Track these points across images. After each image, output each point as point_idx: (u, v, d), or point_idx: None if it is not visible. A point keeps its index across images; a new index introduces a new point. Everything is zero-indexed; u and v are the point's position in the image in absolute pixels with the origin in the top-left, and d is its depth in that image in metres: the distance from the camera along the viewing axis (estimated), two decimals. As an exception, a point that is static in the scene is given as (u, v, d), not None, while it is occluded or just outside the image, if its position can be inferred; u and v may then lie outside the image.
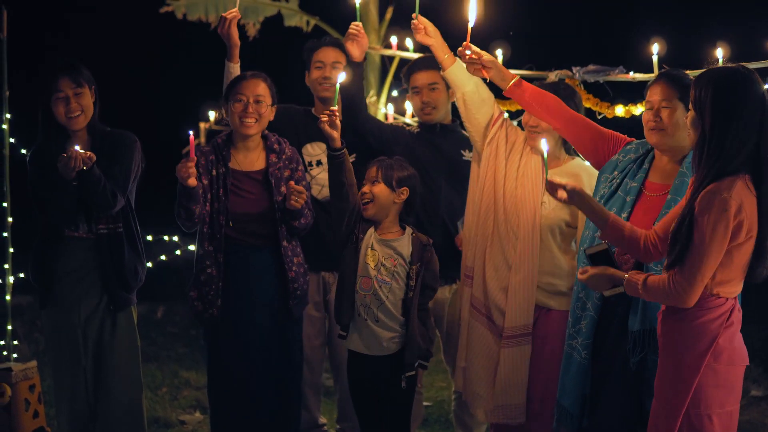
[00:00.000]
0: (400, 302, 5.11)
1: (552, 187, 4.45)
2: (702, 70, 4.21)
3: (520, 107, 6.49)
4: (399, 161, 5.19)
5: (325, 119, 5.01)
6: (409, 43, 7.25)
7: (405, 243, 5.14)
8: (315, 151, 5.96)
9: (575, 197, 4.44)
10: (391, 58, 7.65)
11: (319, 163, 5.94)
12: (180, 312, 10.57)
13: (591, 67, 6.21)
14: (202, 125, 10.41)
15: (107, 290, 5.32)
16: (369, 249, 5.10)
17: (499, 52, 6.62)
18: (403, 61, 7.55)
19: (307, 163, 5.83)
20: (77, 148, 4.98)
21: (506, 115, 5.48)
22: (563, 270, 5.19)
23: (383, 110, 7.63)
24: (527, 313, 5.18)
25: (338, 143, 5.03)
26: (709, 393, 4.20)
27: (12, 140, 6.62)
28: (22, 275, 6.49)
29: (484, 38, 5.35)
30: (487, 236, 5.30)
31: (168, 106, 11.61)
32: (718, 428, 4.22)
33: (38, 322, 9.16)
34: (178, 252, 8.29)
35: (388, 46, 7.50)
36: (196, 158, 5.14)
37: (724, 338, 4.21)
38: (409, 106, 7.71)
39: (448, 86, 5.69)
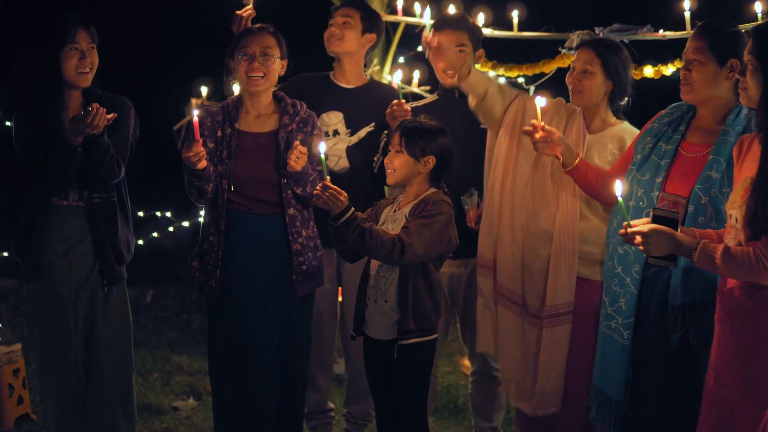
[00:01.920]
0: None
1: (627, 238, 4.04)
2: (751, 24, 3.91)
3: (536, 71, 6.21)
4: (425, 125, 4.78)
5: (320, 193, 4.53)
6: (417, 8, 6.90)
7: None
8: (331, 120, 5.70)
9: (654, 237, 3.98)
10: (395, 25, 7.34)
11: (336, 132, 5.69)
12: (170, 296, 10.32)
13: (615, 26, 5.96)
14: (194, 101, 10.00)
15: (100, 262, 5.05)
16: (381, 226, 4.74)
17: (480, 16, 6.40)
18: (409, 27, 7.29)
19: (323, 133, 5.48)
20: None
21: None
22: (602, 237, 4.87)
23: (388, 78, 7.29)
24: (570, 288, 4.90)
25: (336, 210, 4.53)
26: None
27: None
28: (5, 254, 6.34)
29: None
30: (520, 213, 5.05)
31: (160, 76, 11.32)
32: None
33: (23, 307, 8.86)
34: (171, 228, 8.02)
35: (393, 11, 7.18)
36: (201, 140, 4.85)
37: None
38: (416, 75, 7.37)
39: (475, 49, 5.57)
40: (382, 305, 4.69)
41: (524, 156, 5.06)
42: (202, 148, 4.83)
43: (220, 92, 10.00)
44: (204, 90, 9.71)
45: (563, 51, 6.16)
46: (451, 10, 6.47)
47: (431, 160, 4.72)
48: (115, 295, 5.12)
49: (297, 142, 4.93)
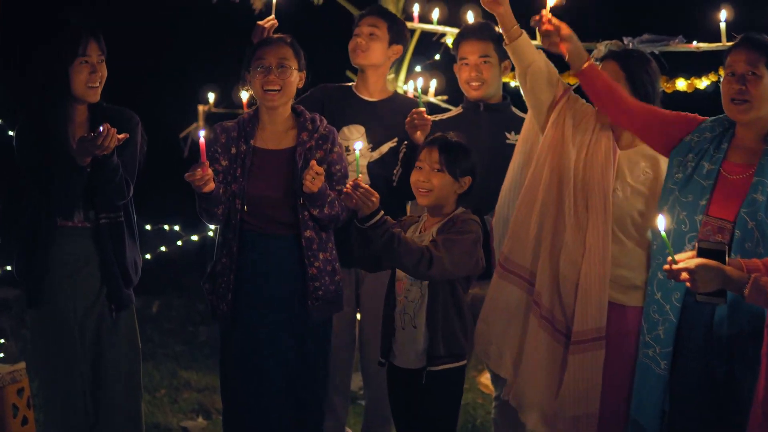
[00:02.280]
0: None
1: (673, 275, 3.83)
2: None
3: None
4: (460, 146, 4.60)
5: (351, 192, 4.33)
6: (434, 14, 6.73)
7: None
8: (352, 134, 5.46)
9: (702, 274, 3.78)
10: (411, 32, 7.14)
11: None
12: (176, 307, 10.10)
13: (646, 36, 5.79)
14: (201, 108, 9.90)
15: (108, 285, 4.86)
16: None
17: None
18: (424, 34, 7.11)
19: (344, 149, 5.25)
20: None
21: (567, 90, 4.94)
22: (636, 261, 4.64)
23: (404, 87, 7.10)
24: (600, 314, 4.63)
25: (366, 211, 4.33)
26: None
27: (-1, 121, 6.28)
28: (9, 268, 5.92)
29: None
30: (547, 230, 4.76)
31: (165, 81, 11.24)
32: None
33: (25, 316, 8.61)
34: (179, 243, 7.80)
35: (409, 17, 7.00)
36: (207, 162, 4.62)
37: None
38: (433, 84, 7.17)
39: (500, 60, 5.35)
40: (411, 331, 4.51)
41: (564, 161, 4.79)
42: (209, 171, 4.60)
43: (227, 99, 9.92)
44: (211, 96, 9.73)
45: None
46: (470, 18, 6.27)
47: (467, 181, 4.58)
48: (123, 320, 4.92)
49: (313, 162, 4.70)
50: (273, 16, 5.28)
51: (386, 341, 4.61)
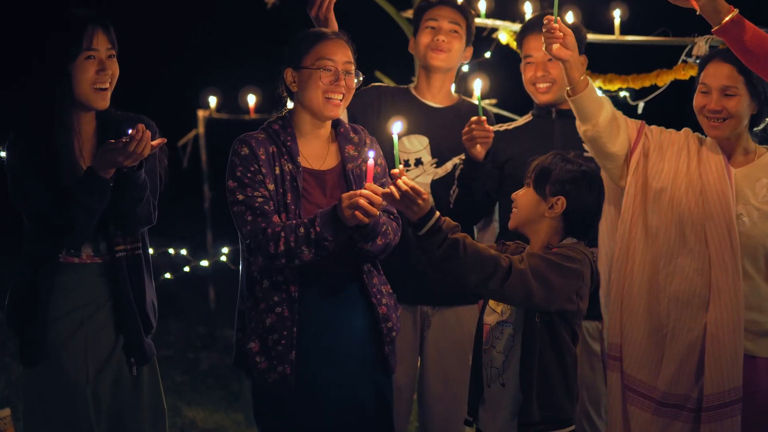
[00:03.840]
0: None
1: None
2: None
3: (645, 84, 5.37)
4: (568, 160, 3.84)
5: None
6: (481, 6, 6.02)
7: None
8: (414, 146, 4.74)
9: None
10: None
11: (419, 162, 4.79)
12: (174, 331, 9.64)
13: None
14: (201, 113, 9.54)
15: (126, 335, 4.04)
16: None
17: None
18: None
19: (402, 161, 4.57)
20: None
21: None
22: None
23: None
24: (737, 369, 3.97)
25: (413, 216, 3.62)
26: None
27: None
28: None
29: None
30: (653, 281, 4.12)
31: (162, 89, 10.95)
32: None
33: (9, 343, 8.11)
34: (186, 269, 7.17)
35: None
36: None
37: None
38: (478, 86, 6.39)
39: None
40: (498, 390, 3.77)
41: (655, 202, 4.17)
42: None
43: (229, 103, 9.36)
44: (212, 100, 9.41)
45: (688, 60, 5.31)
46: (528, 10, 5.53)
47: (560, 202, 3.77)
48: (145, 377, 4.09)
49: (368, 184, 3.80)
50: None
51: (474, 396, 3.88)
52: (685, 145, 4.18)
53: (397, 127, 3.75)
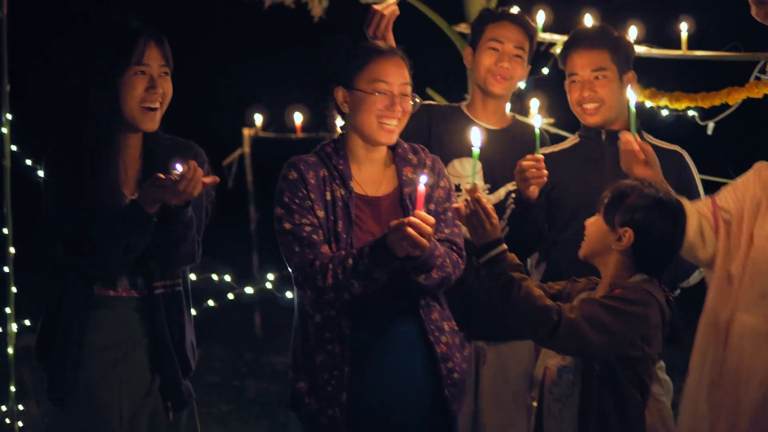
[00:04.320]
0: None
1: None
2: None
3: (715, 103, 5.16)
4: (647, 185, 3.57)
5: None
6: (539, 17, 5.77)
7: None
8: (466, 170, 4.47)
9: None
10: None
11: None
12: (218, 357, 9.51)
13: None
14: (246, 132, 9.43)
15: (163, 377, 3.79)
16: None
17: (632, 31, 5.34)
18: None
19: (453, 186, 4.24)
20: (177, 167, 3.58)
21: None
22: None
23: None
24: None
25: (479, 240, 3.48)
26: None
27: (14, 148, 5.49)
28: (27, 322, 5.66)
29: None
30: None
31: (206, 106, 10.83)
32: None
33: (48, 417, 7.89)
34: (230, 296, 6.93)
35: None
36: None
37: None
38: (535, 110, 6.15)
39: (621, 72, 4.48)
40: (553, 427, 3.55)
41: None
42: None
43: (276, 122, 9.25)
44: (258, 118, 9.35)
45: (761, 77, 5.16)
46: (588, 22, 5.27)
47: (628, 234, 3.50)
48: (183, 423, 3.84)
49: (418, 211, 3.55)
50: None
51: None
52: (759, 184, 3.83)
53: (476, 137, 3.58)
